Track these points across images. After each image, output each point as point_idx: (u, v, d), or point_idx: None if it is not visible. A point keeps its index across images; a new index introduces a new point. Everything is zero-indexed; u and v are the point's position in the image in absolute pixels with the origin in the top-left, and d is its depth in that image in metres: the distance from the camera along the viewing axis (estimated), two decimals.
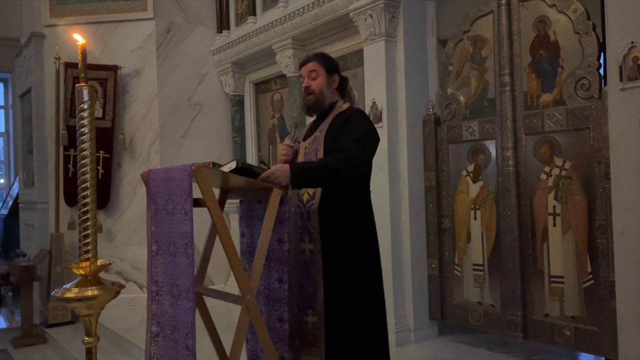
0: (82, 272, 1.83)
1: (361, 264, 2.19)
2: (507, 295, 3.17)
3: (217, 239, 1.96)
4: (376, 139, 2.25)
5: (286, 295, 2.11)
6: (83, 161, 1.83)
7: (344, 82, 2.40)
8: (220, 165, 1.91)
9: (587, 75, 2.83)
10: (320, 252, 2.16)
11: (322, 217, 2.16)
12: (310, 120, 2.54)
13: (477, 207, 3.38)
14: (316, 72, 2.31)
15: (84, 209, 1.83)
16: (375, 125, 3.36)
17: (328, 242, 2.17)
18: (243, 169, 1.98)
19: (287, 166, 2.07)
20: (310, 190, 2.20)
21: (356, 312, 2.14)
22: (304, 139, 2.38)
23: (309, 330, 2.18)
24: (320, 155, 2.21)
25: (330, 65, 2.36)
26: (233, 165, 1.94)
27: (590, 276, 2.83)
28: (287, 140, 2.38)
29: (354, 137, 2.15)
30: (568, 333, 2.91)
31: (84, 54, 1.89)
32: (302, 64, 2.38)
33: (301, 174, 2.06)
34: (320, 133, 2.28)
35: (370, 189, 2.32)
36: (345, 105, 2.35)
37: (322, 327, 2.15)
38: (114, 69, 4.81)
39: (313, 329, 2.17)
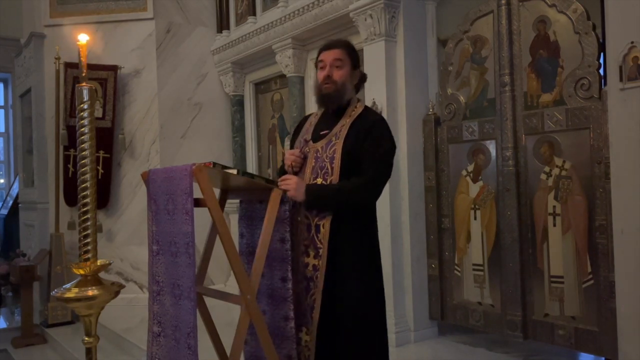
0: (82, 272, 1.83)
1: (368, 280, 2.09)
2: (507, 295, 3.17)
3: (217, 239, 1.96)
4: (394, 153, 2.15)
5: (290, 294, 2.06)
6: (83, 161, 1.84)
7: (363, 79, 2.24)
8: (222, 166, 1.90)
9: (587, 75, 2.83)
10: (324, 269, 2.02)
11: (330, 230, 2.03)
12: (312, 114, 2.35)
13: (477, 207, 3.38)
14: (342, 62, 2.10)
15: (84, 209, 1.84)
16: None
17: (334, 256, 2.04)
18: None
19: (303, 184, 2.02)
20: None
21: (363, 332, 2.06)
22: (314, 140, 2.16)
23: (302, 348, 2.10)
24: (337, 164, 2.04)
25: (356, 58, 2.17)
26: (234, 172, 1.94)
27: (590, 276, 2.83)
28: (296, 150, 2.19)
29: (375, 157, 2.04)
30: (568, 333, 2.91)
31: (84, 54, 1.89)
32: (326, 49, 2.15)
33: (316, 199, 2.02)
34: (337, 138, 2.08)
35: None
36: (360, 107, 2.17)
37: (314, 348, 2.06)
38: (114, 69, 4.81)
39: (306, 348, 2.09)
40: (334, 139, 2.09)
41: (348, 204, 2.06)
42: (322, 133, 2.16)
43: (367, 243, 2.13)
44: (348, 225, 2.05)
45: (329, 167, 2.06)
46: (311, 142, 2.17)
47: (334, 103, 2.13)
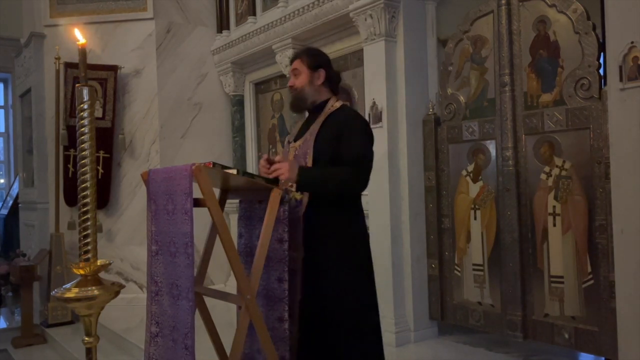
0: (82, 272, 1.83)
1: (350, 267, 2.14)
2: (507, 295, 3.17)
3: (217, 239, 1.96)
4: (372, 144, 2.22)
5: (286, 295, 2.08)
6: (83, 161, 1.83)
7: (331, 77, 2.29)
8: (222, 166, 1.90)
9: (587, 75, 2.83)
10: (301, 261, 2.12)
11: (309, 224, 2.12)
12: (302, 118, 2.49)
13: (477, 207, 3.38)
14: (298, 70, 2.27)
15: (84, 209, 1.83)
16: (375, 126, 3.42)
17: (314, 249, 2.12)
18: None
19: (296, 165, 2.08)
20: (298, 196, 2.15)
21: (344, 322, 2.10)
22: (295, 140, 2.32)
23: (292, 339, 2.14)
24: (309, 159, 2.17)
25: (313, 60, 2.27)
26: (234, 172, 1.94)
27: (590, 276, 2.83)
28: (263, 160, 2.24)
29: (355, 153, 2.12)
30: (568, 333, 2.91)
31: (84, 54, 1.89)
32: (290, 63, 2.36)
33: (307, 178, 2.06)
34: (310, 136, 2.22)
35: (365, 192, 2.28)
36: (338, 104, 2.27)
37: (296, 337, 2.11)
38: (114, 69, 4.81)
39: (295, 338, 2.13)
40: (308, 136, 2.24)
41: (338, 188, 2.12)
42: (300, 131, 2.34)
43: (348, 231, 2.19)
44: (326, 214, 2.14)
45: (304, 163, 2.18)
46: (292, 142, 2.33)
47: (299, 105, 2.33)
